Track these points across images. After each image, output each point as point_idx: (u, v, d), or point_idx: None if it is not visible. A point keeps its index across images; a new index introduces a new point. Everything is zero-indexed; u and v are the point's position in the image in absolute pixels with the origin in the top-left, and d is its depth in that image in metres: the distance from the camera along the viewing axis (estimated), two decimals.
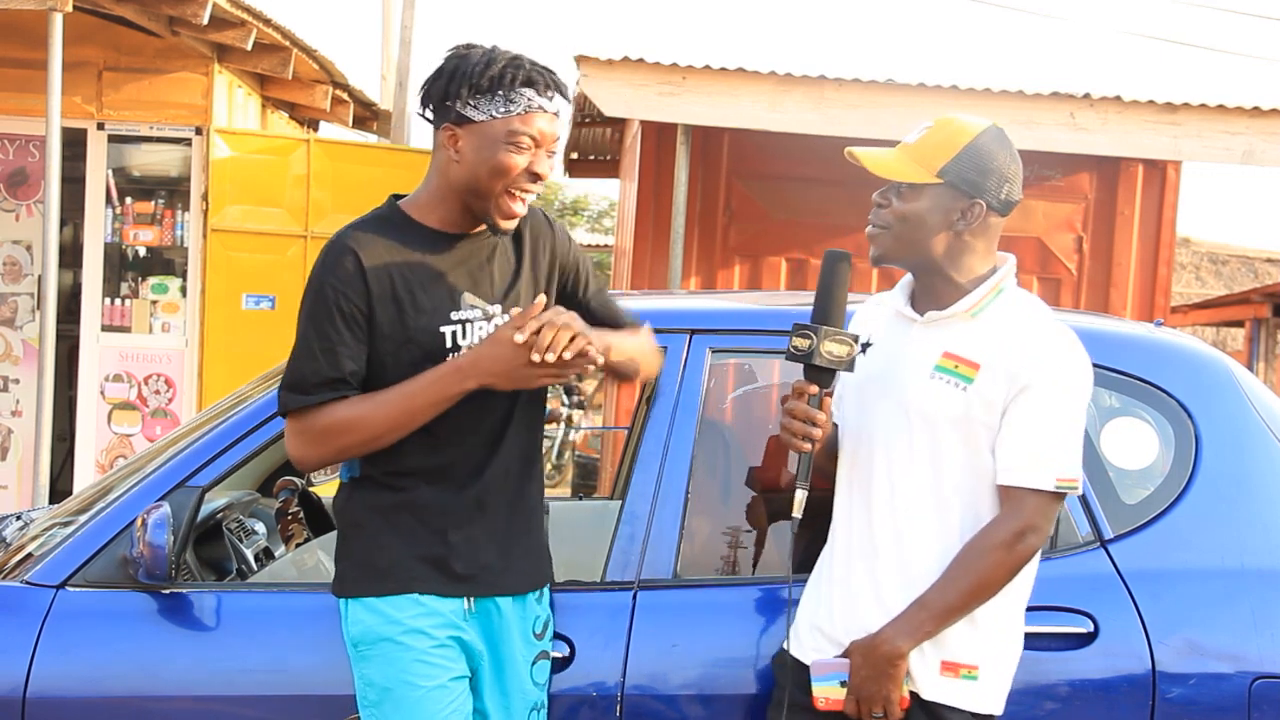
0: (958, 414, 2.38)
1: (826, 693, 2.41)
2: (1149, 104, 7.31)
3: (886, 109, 7.02)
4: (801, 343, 2.38)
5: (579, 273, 2.64)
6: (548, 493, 3.09)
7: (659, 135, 7.71)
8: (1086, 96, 7.27)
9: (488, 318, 2.49)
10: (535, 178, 2.43)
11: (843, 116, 6.98)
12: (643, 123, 7.65)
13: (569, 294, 2.62)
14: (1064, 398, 2.37)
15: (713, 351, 2.91)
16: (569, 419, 11.88)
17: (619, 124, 9.41)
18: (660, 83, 7.08)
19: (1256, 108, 7.37)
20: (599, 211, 25.32)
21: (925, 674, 2.39)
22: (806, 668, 2.46)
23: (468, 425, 2.47)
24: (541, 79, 2.41)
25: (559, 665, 2.65)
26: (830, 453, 2.55)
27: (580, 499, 5.88)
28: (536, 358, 2.32)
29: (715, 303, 3.01)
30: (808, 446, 2.38)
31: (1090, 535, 2.75)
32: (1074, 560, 2.74)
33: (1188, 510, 2.78)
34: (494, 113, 2.39)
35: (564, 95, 2.45)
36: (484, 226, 2.49)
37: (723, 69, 7.09)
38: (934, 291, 2.46)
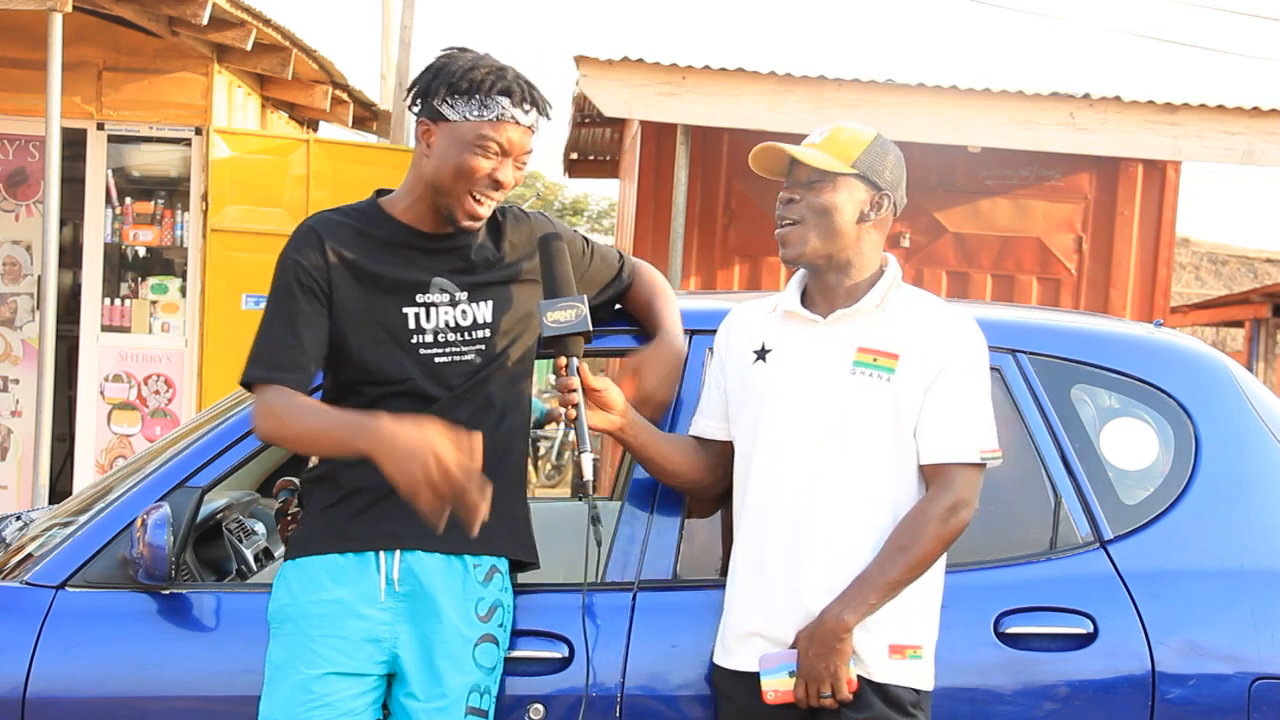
0: (886, 405, 2.47)
1: (775, 684, 2.44)
2: (1149, 104, 7.31)
3: (886, 109, 7.03)
4: (565, 315, 2.47)
5: (573, 249, 2.67)
6: (547, 493, 3.09)
7: (659, 135, 7.71)
8: (1086, 96, 7.28)
9: (454, 303, 2.53)
10: (497, 185, 2.49)
11: (842, 117, 6.98)
12: (642, 123, 7.65)
13: (573, 265, 2.68)
14: (976, 377, 2.52)
15: (712, 352, 2.91)
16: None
17: (619, 124, 9.42)
18: (660, 83, 7.09)
19: (1256, 108, 7.37)
20: (599, 211, 25.34)
21: (875, 657, 2.45)
22: (744, 675, 2.50)
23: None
24: (520, 91, 2.47)
25: (559, 665, 2.65)
26: (682, 451, 2.66)
27: (580, 499, 5.87)
28: (427, 478, 2.22)
29: (715, 303, 3.01)
30: (574, 414, 2.48)
31: (1090, 536, 2.75)
32: (1073, 561, 2.74)
33: (1187, 511, 2.78)
34: (468, 114, 2.45)
35: (541, 110, 2.52)
36: (452, 230, 2.54)
37: (722, 69, 7.10)
38: (830, 290, 2.56)
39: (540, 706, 2.63)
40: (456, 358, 2.53)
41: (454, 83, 2.45)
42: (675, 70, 7.10)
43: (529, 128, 2.50)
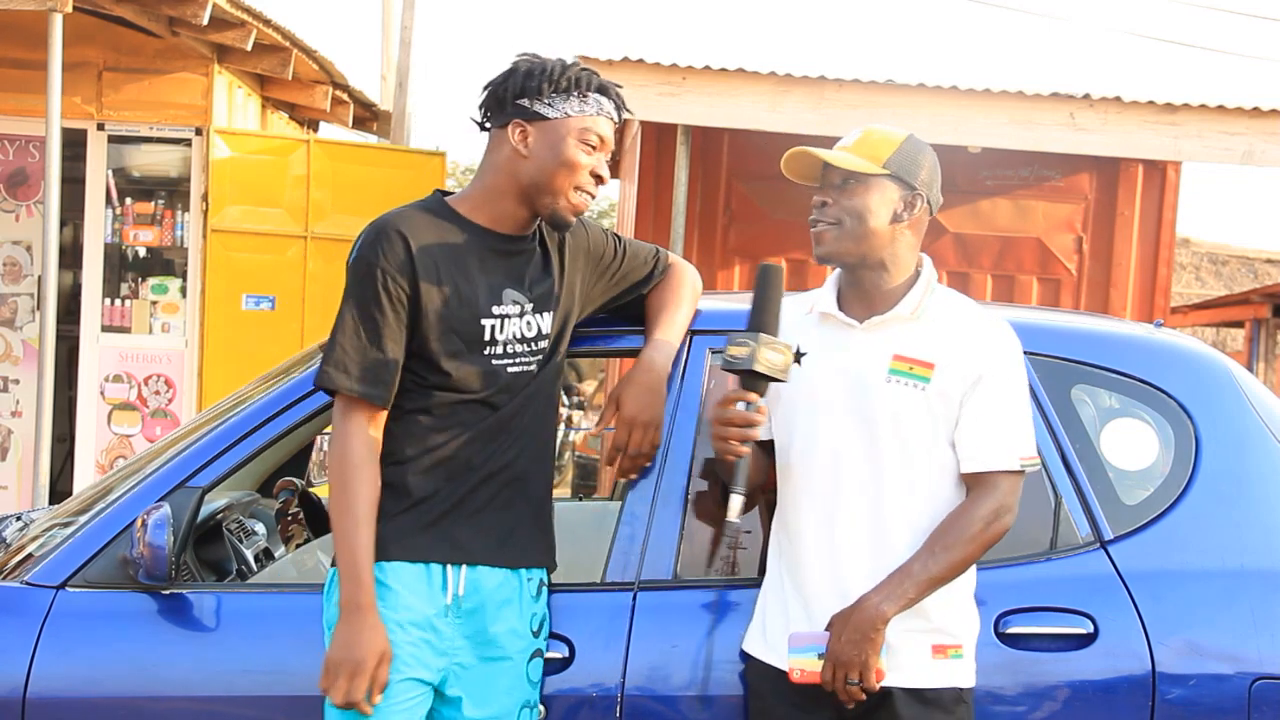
0: (921, 413, 2.47)
1: (803, 664, 2.43)
2: (1149, 104, 7.31)
3: (886, 109, 7.02)
4: (740, 351, 2.42)
5: (605, 253, 2.75)
6: None
7: (659, 135, 7.71)
8: (1086, 97, 7.27)
9: (521, 314, 2.56)
10: (598, 179, 2.56)
11: (842, 117, 6.98)
12: (642, 123, 7.64)
13: (605, 271, 2.74)
14: (1015, 384, 2.52)
15: (713, 352, 2.91)
16: (569, 419, 11.87)
17: (619, 124, 9.42)
18: (660, 83, 7.08)
19: (1256, 108, 7.37)
20: (599, 211, 25.35)
21: (917, 661, 2.45)
22: (777, 670, 2.51)
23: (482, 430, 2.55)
24: (613, 89, 2.57)
25: (559, 666, 2.65)
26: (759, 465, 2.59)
27: (580, 499, 5.87)
28: (351, 679, 2.38)
29: (715, 303, 3.01)
30: (745, 450, 2.44)
31: (1090, 536, 2.75)
32: (1074, 561, 2.74)
33: (1187, 511, 2.78)
34: (569, 110, 2.51)
35: (625, 108, 2.62)
36: (530, 230, 2.59)
37: (722, 69, 7.09)
38: (866, 290, 2.54)
39: (541, 707, 2.63)
40: (523, 368, 2.56)
41: (555, 80, 2.50)
42: (675, 70, 7.09)
43: (617, 124, 2.59)
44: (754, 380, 2.43)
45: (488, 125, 2.58)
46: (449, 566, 2.51)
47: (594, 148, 2.53)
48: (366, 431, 2.47)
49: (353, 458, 2.45)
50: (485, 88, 2.58)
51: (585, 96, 2.52)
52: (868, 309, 2.54)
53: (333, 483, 2.47)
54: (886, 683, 2.46)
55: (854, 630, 2.40)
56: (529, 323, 2.57)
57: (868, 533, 2.47)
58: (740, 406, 2.43)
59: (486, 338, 2.52)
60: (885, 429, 2.47)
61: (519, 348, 2.55)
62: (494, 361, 2.53)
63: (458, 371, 2.51)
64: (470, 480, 2.52)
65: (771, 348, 2.41)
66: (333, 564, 2.54)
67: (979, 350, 2.49)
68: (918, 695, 2.45)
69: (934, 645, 2.47)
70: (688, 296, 2.84)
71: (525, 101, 2.51)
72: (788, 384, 2.48)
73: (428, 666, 2.49)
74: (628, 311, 2.84)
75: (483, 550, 2.53)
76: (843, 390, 2.50)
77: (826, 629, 2.44)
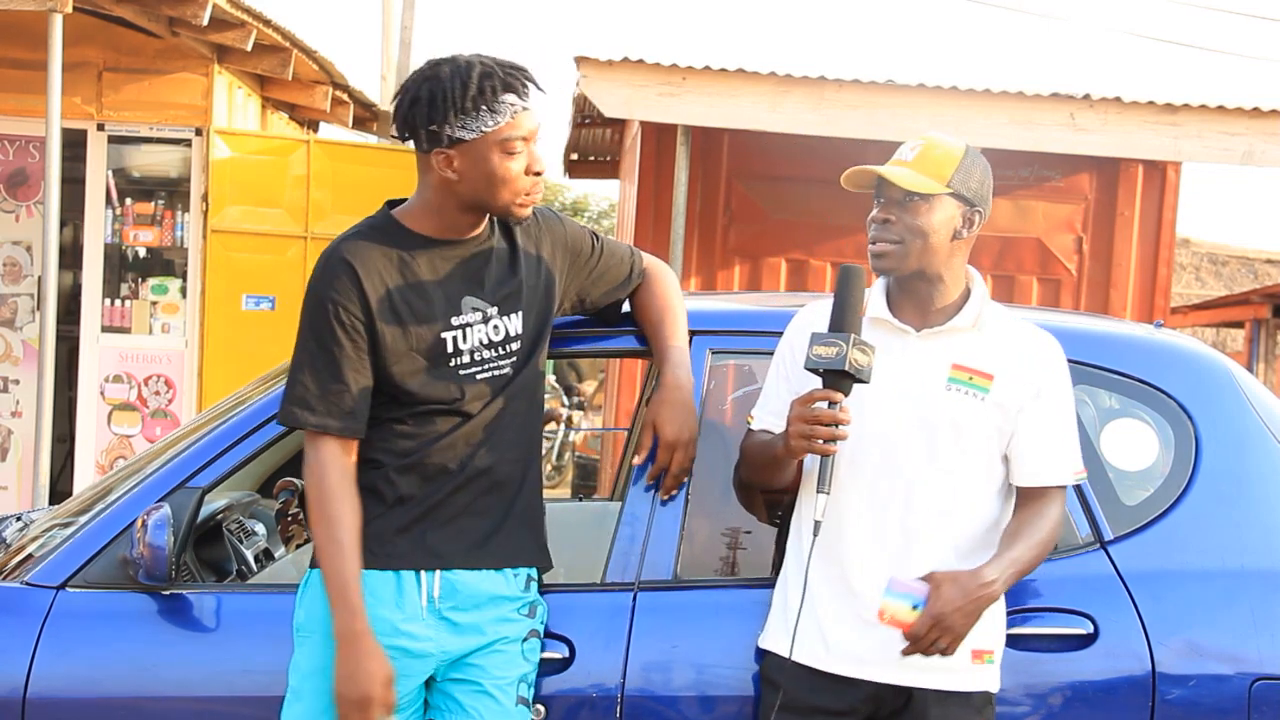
0: (980, 423, 2.49)
1: (896, 610, 2.38)
2: (1149, 104, 7.30)
3: (886, 109, 7.01)
4: (827, 350, 2.40)
5: (583, 249, 2.71)
6: (548, 493, 3.10)
7: (659, 136, 7.70)
8: (1086, 97, 7.27)
9: (485, 319, 2.52)
10: (536, 175, 2.49)
11: (842, 117, 6.98)
12: (643, 123, 7.64)
13: (582, 267, 2.70)
14: (1069, 399, 2.58)
15: (713, 353, 2.91)
16: (569, 420, 11.88)
17: (619, 124, 9.41)
18: (660, 83, 7.08)
19: (1256, 108, 7.36)
20: (599, 212, 25.33)
21: (958, 665, 2.47)
22: (809, 670, 2.51)
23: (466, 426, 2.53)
24: (516, 80, 2.45)
25: (559, 666, 2.65)
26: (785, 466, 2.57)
27: (580, 500, 5.87)
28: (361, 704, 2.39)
29: (715, 304, 3.01)
30: (834, 449, 2.41)
31: (1090, 536, 2.75)
32: (1074, 561, 2.74)
33: (1187, 511, 2.78)
34: (483, 128, 2.43)
35: (538, 86, 2.49)
36: (479, 230, 2.54)
37: (723, 69, 7.09)
38: (922, 299, 2.54)
39: (541, 707, 2.63)
40: (495, 372, 2.54)
41: (459, 106, 2.41)
42: (675, 70, 7.09)
43: (532, 108, 2.49)
44: (840, 380, 2.41)
45: (407, 139, 2.51)
46: (423, 572, 2.51)
47: (520, 151, 2.45)
48: (340, 460, 2.46)
49: (331, 489, 2.44)
50: (394, 110, 2.50)
51: (494, 107, 2.41)
52: (923, 318, 2.54)
53: (314, 514, 2.46)
54: (924, 684, 2.48)
55: (970, 602, 2.38)
56: (496, 326, 2.54)
57: (921, 532, 2.49)
58: (824, 405, 2.41)
59: (449, 350, 2.50)
60: (945, 435, 2.49)
61: (487, 354, 2.53)
62: (461, 372, 2.51)
63: (424, 388, 2.49)
64: (446, 486, 2.51)
65: (859, 348, 2.40)
66: (311, 565, 2.54)
67: (1038, 365, 2.53)
68: (952, 697, 2.49)
69: (974, 650, 2.49)
70: (678, 298, 2.83)
71: (436, 129, 2.43)
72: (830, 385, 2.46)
73: (408, 673, 2.49)
74: (604, 315, 2.83)
75: (458, 554, 2.52)
76: (900, 395, 2.50)
77: (926, 581, 2.40)
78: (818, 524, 2.43)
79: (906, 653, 2.40)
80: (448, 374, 2.51)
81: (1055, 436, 2.53)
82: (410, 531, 2.51)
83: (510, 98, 2.44)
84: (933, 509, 2.49)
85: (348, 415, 2.46)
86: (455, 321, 2.51)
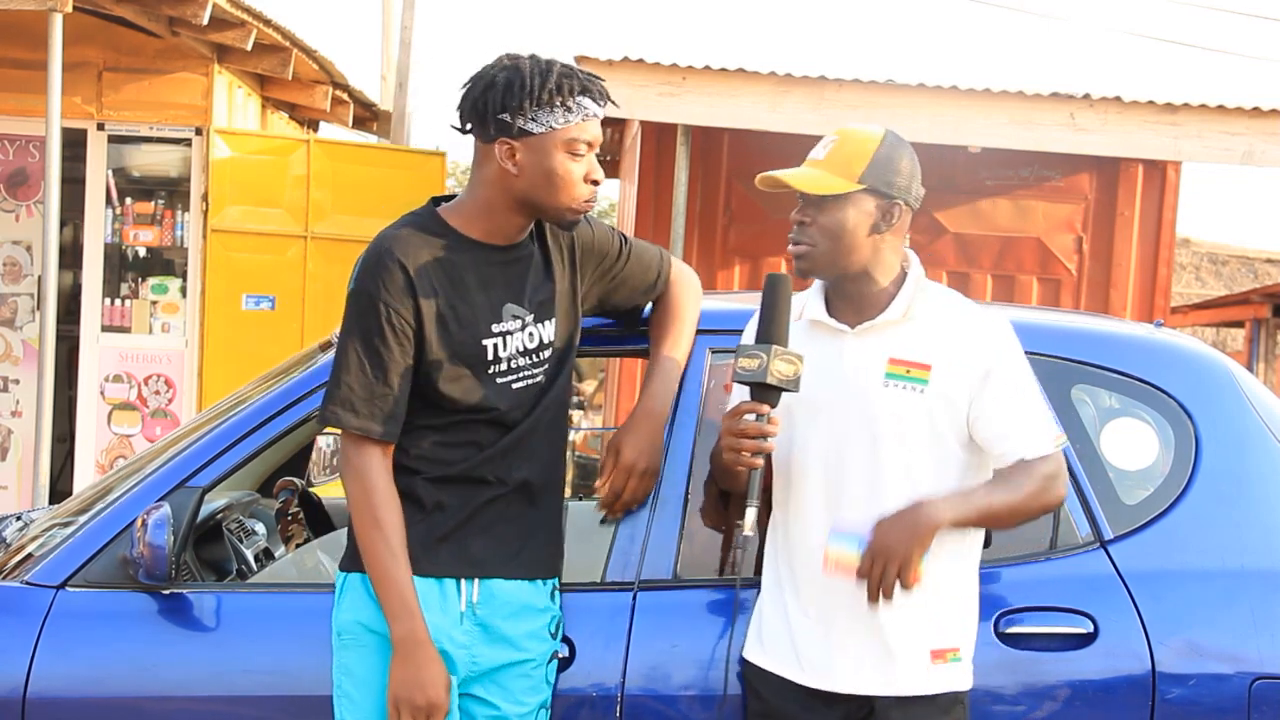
0: (921, 416, 2.45)
1: (840, 553, 2.37)
2: (1149, 104, 7.31)
3: (886, 109, 7.02)
4: (750, 363, 2.41)
5: (610, 253, 2.69)
6: None
7: (659, 136, 7.71)
8: (1086, 97, 7.28)
9: (523, 327, 2.52)
10: (594, 184, 2.49)
11: (842, 117, 6.98)
12: (642, 123, 7.65)
13: (606, 271, 2.68)
14: (1024, 370, 2.51)
15: (712, 352, 2.90)
16: (569, 419, 11.87)
17: (619, 124, 9.41)
18: (660, 83, 7.09)
19: (1256, 108, 7.37)
20: (599, 212, 25.31)
21: (915, 669, 2.44)
22: (777, 677, 2.52)
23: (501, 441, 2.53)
24: (594, 86, 2.47)
25: (560, 666, 2.64)
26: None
27: (580, 499, 5.87)
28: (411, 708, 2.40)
29: (715, 304, 3.00)
30: (759, 462, 2.42)
31: (1090, 536, 2.75)
32: (1074, 561, 2.74)
33: (1187, 511, 2.78)
34: (554, 124, 2.43)
35: (611, 100, 2.53)
36: (524, 237, 2.54)
37: (723, 69, 7.10)
38: (854, 297, 2.52)
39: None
40: (529, 381, 2.54)
41: (536, 96, 2.41)
42: (675, 70, 7.09)
43: (601, 116, 2.51)
44: (765, 392, 2.42)
45: (469, 130, 2.51)
46: (462, 580, 2.51)
47: (584, 155, 2.46)
48: (383, 464, 2.45)
49: (381, 495, 2.43)
50: (464, 96, 2.49)
51: (569, 105, 2.43)
52: (857, 314, 2.51)
53: (362, 519, 2.44)
54: (882, 692, 2.45)
55: (903, 524, 2.34)
56: (531, 334, 2.53)
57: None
58: (751, 418, 2.42)
59: (490, 357, 2.49)
60: (887, 433, 2.45)
61: (523, 361, 2.53)
62: (499, 380, 2.51)
63: (464, 394, 2.48)
64: (483, 495, 2.51)
65: (782, 359, 2.40)
66: (340, 568, 2.54)
67: (978, 347, 2.47)
68: (915, 701, 2.45)
69: (933, 650, 2.46)
70: (692, 308, 2.79)
71: (507, 117, 2.42)
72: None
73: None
74: (625, 318, 2.82)
75: (497, 563, 2.52)
76: (840, 397, 2.49)
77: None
78: (747, 539, 2.43)
79: (871, 600, 2.36)
80: (487, 381, 2.50)
81: (1018, 412, 2.45)
82: (450, 540, 2.50)
83: (586, 100, 2.45)
84: (885, 508, 2.41)
85: (390, 420, 2.45)
86: (496, 329, 2.50)
